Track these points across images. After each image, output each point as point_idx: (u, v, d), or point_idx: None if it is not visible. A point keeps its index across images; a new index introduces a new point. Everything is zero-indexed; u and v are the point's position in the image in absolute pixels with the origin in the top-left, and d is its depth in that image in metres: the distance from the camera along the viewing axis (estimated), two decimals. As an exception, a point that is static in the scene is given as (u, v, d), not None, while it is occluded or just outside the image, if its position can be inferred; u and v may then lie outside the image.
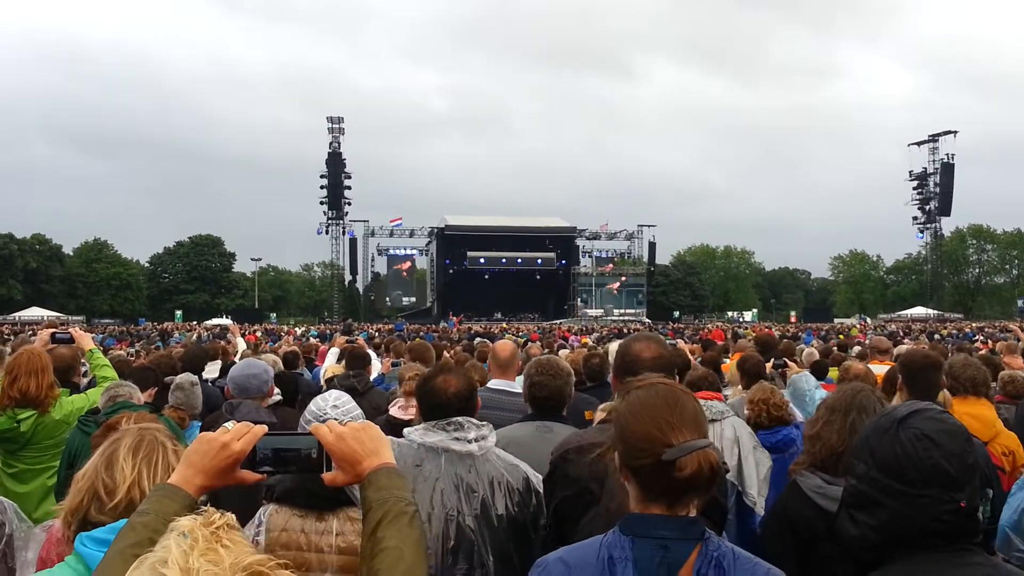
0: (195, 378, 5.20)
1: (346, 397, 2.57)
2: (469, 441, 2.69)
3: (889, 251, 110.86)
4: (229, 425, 1.64)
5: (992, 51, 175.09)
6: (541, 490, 2.84)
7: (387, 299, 75.15)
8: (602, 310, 68.87)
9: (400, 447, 2.61)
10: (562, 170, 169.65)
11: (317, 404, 2.49)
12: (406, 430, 2.71)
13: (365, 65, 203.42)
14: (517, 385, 5.16)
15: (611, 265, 73.78)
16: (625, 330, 29.45)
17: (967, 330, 33.65)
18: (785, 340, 13.45)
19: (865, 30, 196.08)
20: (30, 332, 23.18)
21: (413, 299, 75.52)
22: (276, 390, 4.93)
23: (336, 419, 2.31)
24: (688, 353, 8.04)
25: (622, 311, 69.48)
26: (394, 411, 4.70)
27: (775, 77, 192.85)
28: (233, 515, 1.44)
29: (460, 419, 2.73)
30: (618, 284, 71.99)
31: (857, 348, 11.85)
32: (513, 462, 2.87)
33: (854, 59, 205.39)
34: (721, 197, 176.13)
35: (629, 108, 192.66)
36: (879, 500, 1.74)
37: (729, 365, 7.79)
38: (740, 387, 6.25)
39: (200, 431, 3.15)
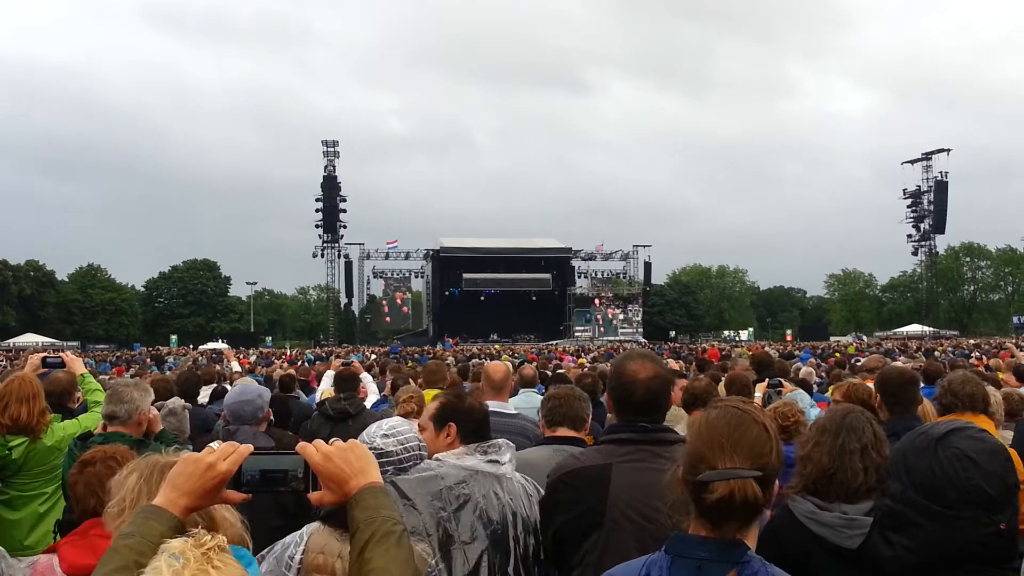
0: (184, 402, 5.18)
1: (406, 426, 2.57)
2: (503, 463, 2.73)
3: (876, 268, 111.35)
4: (215, 445, 1.63)
5: (945, 66, 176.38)
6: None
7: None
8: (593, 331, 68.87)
9: (438, 471, 2.62)
10: (532, 188, 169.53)
11: (369, 432, 2.51)
12: (442, 454, 2.71)
13: (321, 88, 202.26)
14: (511, 407, 5.14)
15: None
16: (620, 350, 29.37)
17: (963, 347, 33.65)
18: (778, 360, 13.40)
19: (814, 47, 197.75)
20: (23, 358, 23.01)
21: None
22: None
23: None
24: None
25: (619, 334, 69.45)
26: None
27: (730, 93, 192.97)
28: (224, 537, 1.44)
29: (500, 441, 2.79)
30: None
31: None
32: (531, 479, 2.94)
33: (809, 76, 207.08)
34: (696, 214, 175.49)
35: (591, 125, 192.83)
36: (916, 521, 1.69)
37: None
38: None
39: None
